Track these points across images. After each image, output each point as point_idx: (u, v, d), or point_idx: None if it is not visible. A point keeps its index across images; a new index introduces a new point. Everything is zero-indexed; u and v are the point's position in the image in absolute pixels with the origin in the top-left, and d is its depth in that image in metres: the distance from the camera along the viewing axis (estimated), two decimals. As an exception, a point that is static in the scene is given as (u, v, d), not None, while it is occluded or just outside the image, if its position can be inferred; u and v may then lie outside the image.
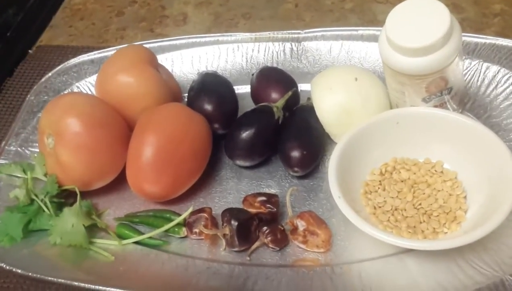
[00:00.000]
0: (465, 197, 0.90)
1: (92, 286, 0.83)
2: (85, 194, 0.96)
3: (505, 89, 1.01)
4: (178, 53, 1.16)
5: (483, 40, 1.06)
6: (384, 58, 0.91)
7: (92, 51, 1.19)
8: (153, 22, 1.40)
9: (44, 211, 0.93)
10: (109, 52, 1.16)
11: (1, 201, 0.98)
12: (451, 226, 0.87)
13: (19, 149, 1.06)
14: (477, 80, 1.04)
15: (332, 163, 0.89)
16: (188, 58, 1.16)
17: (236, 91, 1.06)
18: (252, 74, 1.07)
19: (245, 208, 0.92)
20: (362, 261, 0.87)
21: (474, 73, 1.04)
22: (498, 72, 1.03)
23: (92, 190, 0.98)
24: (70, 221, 0.90)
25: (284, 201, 0.93)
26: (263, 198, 0.92)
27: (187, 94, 1.05)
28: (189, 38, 1.18)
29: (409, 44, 0.86)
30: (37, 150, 1.01)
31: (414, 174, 0.93)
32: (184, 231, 0.92)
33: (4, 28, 1.38)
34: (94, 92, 1.06)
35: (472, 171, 0.90)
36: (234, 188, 0.99)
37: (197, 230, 0.91)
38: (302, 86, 1.07)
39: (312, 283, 0.84)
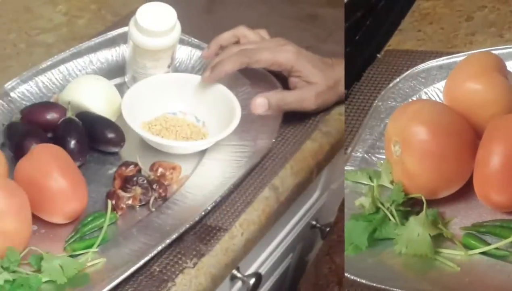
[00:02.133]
0: None
1: (437, 298, 0.83)
2: (431, 203, 0.96)
3: None
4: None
5: None
6: None
7: (440, 56, 1.18)
8: (503, 27, 1.36)
9: (389, 219, 0.94)
10: (457, 58, 1.14)
11: (347, 208, 1.00)
12: None
13: (365, 155, 1.07)
14: None
15: None
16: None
17: None
18: None
19: None
20: None
21: None
22: None
23: (438, 198, 0.97)
24: (416, 230, 0.90)
25: None
26: None
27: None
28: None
29: None
30: (384, 157, 1.02)
31: None
32: (523, 242, 0.88)
33: (352, 32, 1.42)
34: (442, 99, 1.06)
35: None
36: None
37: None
38: None
39: None
